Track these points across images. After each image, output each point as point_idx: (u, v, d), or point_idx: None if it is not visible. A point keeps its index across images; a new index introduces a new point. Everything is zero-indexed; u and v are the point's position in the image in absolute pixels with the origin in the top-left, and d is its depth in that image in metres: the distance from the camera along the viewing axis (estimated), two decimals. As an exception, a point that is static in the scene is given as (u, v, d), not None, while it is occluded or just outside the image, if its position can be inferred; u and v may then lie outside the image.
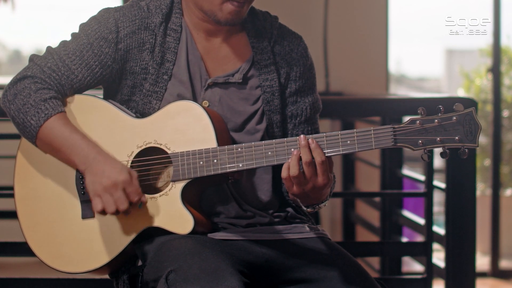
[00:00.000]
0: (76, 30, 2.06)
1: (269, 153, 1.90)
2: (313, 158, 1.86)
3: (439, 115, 1.82)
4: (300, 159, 1.86)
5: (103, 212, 1.91)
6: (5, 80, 5.90)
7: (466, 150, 1.82)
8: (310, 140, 1.86)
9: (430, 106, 1.88)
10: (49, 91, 1.99)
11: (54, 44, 2.07)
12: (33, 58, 2.04)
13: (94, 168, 1.93)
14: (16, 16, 5.63)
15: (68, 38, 2.06)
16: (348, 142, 1.85)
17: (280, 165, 1.90)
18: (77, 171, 2.01)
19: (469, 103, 2.77)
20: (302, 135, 1.87)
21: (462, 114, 1.82)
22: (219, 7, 1.99)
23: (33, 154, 2.04)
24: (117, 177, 1.90)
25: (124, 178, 1.90)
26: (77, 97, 2.03)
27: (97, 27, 2.03)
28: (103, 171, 1.91)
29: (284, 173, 1.87)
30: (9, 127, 2.70)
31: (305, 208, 1.97)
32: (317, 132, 2.13)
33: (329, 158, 1.88)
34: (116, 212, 1.91)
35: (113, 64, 2.03)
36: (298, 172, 1.85)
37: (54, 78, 2.00)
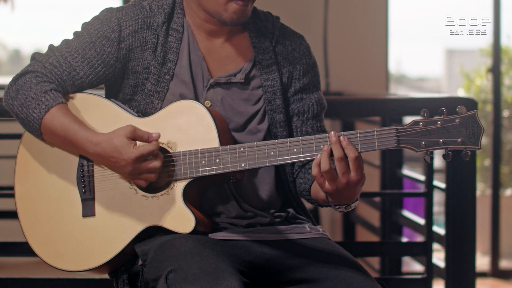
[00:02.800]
0: (78, 29, 2.07)
1: (272, 153, 1.90)
2: (345, 154, 1.84)
3: (442, 117, 1.82)
4: (331, 155, 1.85)
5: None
6: (5, 80, 5.90)
7: (469, 152, 1.82)
8: (341, 137, 1.85)
9: (430, 106, 1.89)
10: (49, 84, 1.99)
11: (55, 43, 2.07)
12: (35, 56, 2.05)
13: (102, 161, 1.94)
14: (15, 16, 5.63)
15: (70, 37, 2.06)
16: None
17: (283, 165, 1.89)
18: (79, 169, 2.01)
19: (469, 103, 2.77)
20: (332, 132, 1.85)
21: (465, 116, 1.82)
22: (224, 7, 1.99)
23: (34, 152, 2.04)
24: (127, 162, 1.90)
25: (131, 157, 1.89)
26: (79, 95, 2.04)
27: (99, 26, 2.03)
28: (112, 162, 1.92)
29: (314, 170, 1.85)
30: (9, 127, 2.70)
31: (335, 209, 1.95)
32: (324, 130, 2.13)
33: (361, 154, 1.86)
34: (157, 174, 1.93)
35: (116, 63, 2.03)
36: (329, 167, 1.84)
37: (55, 73, 2.00)
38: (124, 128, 1.93)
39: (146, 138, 1.92)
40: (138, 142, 1.93)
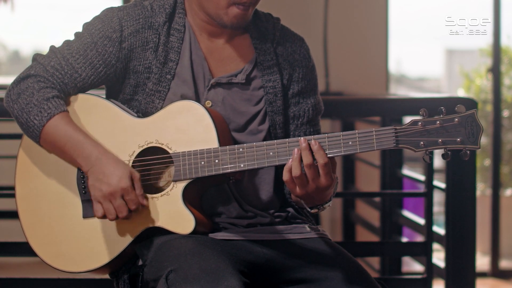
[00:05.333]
0: (78, 29, 2.07)
1: (271, 153, 1.90)
2: (315, 160, 1.85)
3: (441, 116, 1.82)
4: (301, 160, 1.86)
5: (104, 217, 1.93)
6: (5, 80, 5.89)
7: (468, 152, 1.82)
8: (312, 142, 1.85)
9: (430, 106, 1.89)
10: (52, 90, 1.99)
11: (55, 43, 2.07)
12: (36, 57, 2.04)
13: (96, 170, 1.93)
14: (15, 16, 5.63)
15: (69, 37, 2.06)
16: (350, 143, 1.85)
17: (282, 166, 1.90)
18: (79, 170, 2.01)
19: (469, 103, 2.77)
20: (302, 138, 1.86)
21: (464, 115, 1.82)
22: (224, 11, 1.99)
23: (35, 153, 2.04)
24: (116, 184, 1.90)
25: (123, 186, 1.90)
26: (79, 96, 2.04)
27: (100, 26, 2.03)
28: (104, 174, 1.91)
29: (285, 176, 1.87)
30: (9, 127, 2.69)
31: (309, 209, 1.97)
32: (319, 133, 2.13)
33: (331, 159, 1.87)
34: (116, 218, 1.92)
35: (117, 63, 2.03)
36: (300, 172, 1.85)
37: (57, 77, 2.00)
38: (134, 170, 1.93)
39: (134, 197, 1.91)
40: None
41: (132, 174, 1.92)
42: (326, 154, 1.85)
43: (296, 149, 1.86)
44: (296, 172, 1.85)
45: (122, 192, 1.90)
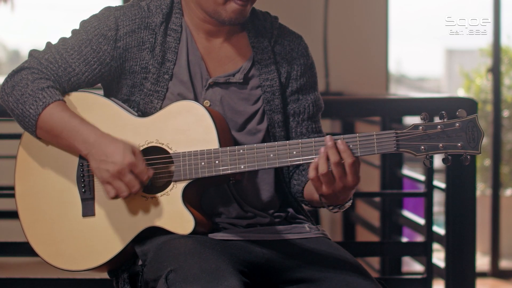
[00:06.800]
0: (76, 28, 2.07)
1: (271, 155, 1.90)
2: (341, 159, 1.84)
3: (442, 121, 1.82)
4: (328, 158, 1.85)
5: (117, 197, 1.92)
6: (5, 80, 5.87)
7: (468, 157, 1.81)
8: (339, 142, 1.84)
9: (430, 106, 1.89)
10: (46, 80, 1.99)
11: (54, 42, 2.07)
12: (32, 52, 2.05)
13: (97, 152, 1.92)
14: (15, 16, 5.63)
15: (68, 36, 2.06)
16: (351, 146, 1.85)
17: (282, 168, 1.89)
18: (79, 168, 2.01)
19: (469, 103, 2.77)
20: (328, 136, 1.85)
21: (465, 120, 1.81)
22: (222, 7, 1.99)
23: (34, 151, 2.04)
24: (121, 161, 1.90)
25: (129, 160, 1.90)
26: (79, 94, 2.04)
27: (96, 24, 2.03)
28: (106, 155, 1.91)
29: (311, 173, 1.85)
30: (9, 127, 2.69)
31: (330, 210, 1.96)
32: (320, 130, 2.13)
33: (358, 158, 1.86)
34: (129, 195, 1.91)
35: (112, 62, 2.03)
36: (327, 169, 1.83)
37: (51, 69, 2.00)
38: (133, 144, 1.93)
39: (142, 168, 1.91)
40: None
41: (132, 148, 1.92)
42: (355, 152, 1.84)
43: (322, 148, 1.84)
44: (323, 169, 1.84)
45: (130, 167, 1.90)
